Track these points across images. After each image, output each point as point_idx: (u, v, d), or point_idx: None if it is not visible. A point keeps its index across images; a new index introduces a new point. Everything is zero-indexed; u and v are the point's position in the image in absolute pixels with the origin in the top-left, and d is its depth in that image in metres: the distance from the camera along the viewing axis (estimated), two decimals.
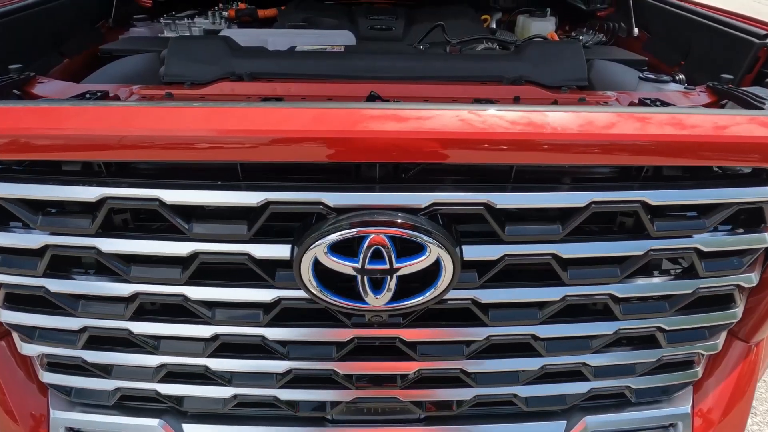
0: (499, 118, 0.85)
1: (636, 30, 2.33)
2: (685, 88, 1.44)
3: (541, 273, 1.00)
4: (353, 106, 0.85)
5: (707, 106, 1.39)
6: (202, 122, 0.82)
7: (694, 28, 1.95)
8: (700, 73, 1.89)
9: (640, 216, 0.92)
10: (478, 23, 2.17)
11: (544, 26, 2.49)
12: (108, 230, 0.91)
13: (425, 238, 0.86)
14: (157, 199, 0.86)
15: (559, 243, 0.93)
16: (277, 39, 1.57)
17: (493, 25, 2.59)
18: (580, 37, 2.46)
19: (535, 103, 1.31)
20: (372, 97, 1.16)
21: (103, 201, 0.86)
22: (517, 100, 1.30)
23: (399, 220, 0.85)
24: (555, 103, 1.27)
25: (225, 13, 2.37)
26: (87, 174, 0.88)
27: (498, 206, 0.88)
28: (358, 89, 1.30)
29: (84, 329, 1.01)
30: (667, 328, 1.07)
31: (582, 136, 0.84)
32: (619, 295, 1.00)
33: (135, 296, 0.96)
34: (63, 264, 0.97)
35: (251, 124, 0.81)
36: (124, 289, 0.95)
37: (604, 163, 0.91)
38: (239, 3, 2.53)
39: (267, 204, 0.86)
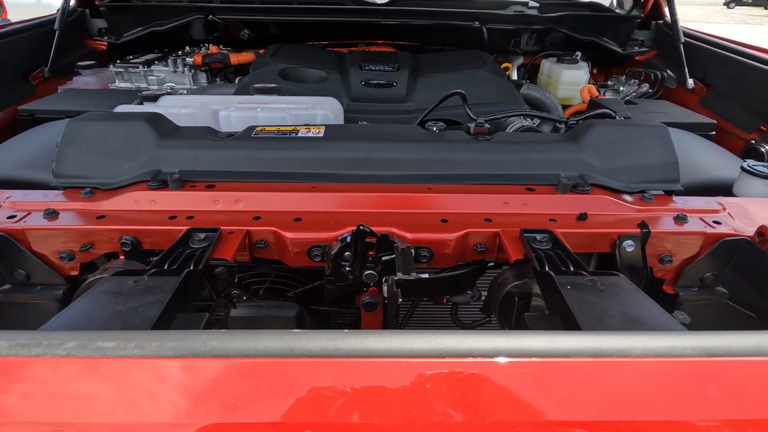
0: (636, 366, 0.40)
1: (691, 81, 1.92)
2: None
3: None
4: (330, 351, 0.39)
5: None
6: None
7: None
8: None
9: None
10: (503, 76, 1.73)
11: (577, 75, 2.07)
12: None
13: None
14: None
15: None
16: (231, 114, 1.09)
17: (514, 75, 2.17)
18: (620, 88, 2.04)
19: (611, 224, 0.86)
20: (361, 234, 0.71)
21: None
22: (583, 219, 0.86)
23: None
24: (644, 227, 0.82)
25: (189, 59, 1.94)
26: None
27: None
28: (342, 201, 0.86)
29: None
30: None
31: None
32: None
33: None
34: None
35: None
36: None
37: None
38: (210, 46, 2.12)
39: None
